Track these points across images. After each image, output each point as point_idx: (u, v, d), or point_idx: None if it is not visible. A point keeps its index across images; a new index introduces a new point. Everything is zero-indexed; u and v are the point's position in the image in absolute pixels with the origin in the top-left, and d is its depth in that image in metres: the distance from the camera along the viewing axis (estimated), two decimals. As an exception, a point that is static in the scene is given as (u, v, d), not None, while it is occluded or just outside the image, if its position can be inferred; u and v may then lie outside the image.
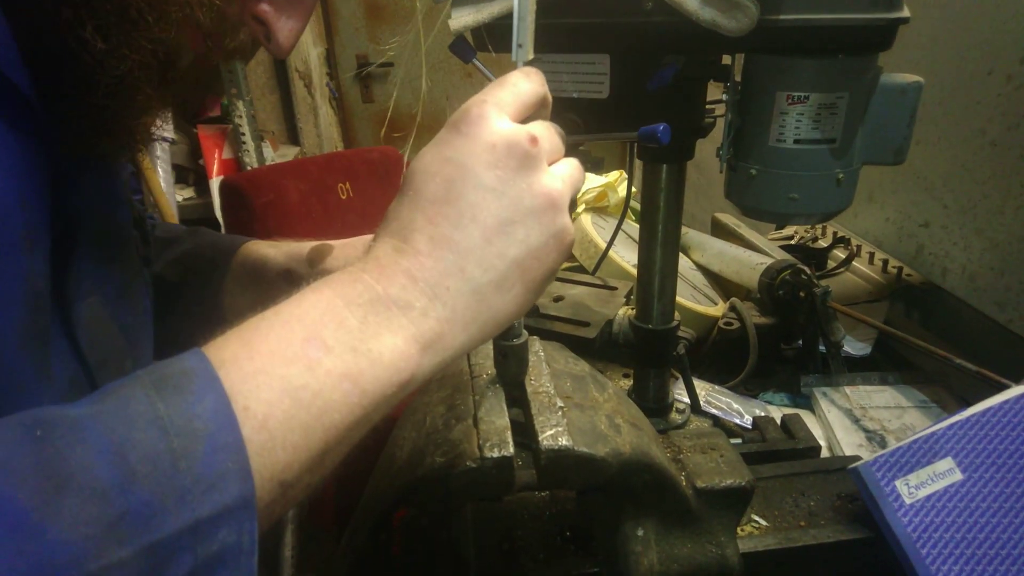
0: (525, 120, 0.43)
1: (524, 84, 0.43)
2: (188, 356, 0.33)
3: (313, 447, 0.34)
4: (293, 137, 3.10)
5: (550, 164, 0.42)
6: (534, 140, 0.40)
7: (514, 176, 0.39)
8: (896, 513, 0.59)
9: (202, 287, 0.72)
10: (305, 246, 0.70)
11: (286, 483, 0.33)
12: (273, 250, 0.72)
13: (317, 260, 0.69)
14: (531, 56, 0.46)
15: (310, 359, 0.34)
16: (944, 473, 0.61)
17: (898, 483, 0.60)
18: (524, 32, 0.45)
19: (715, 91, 0.68)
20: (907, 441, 0.62)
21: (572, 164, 0.44)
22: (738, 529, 0.60)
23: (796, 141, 0.63)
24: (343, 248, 0.70)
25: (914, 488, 0.60)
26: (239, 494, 0.30)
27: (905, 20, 0.57)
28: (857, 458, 0.65)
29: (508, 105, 0.41)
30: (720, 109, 0.68)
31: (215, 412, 0.31)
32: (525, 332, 0.52)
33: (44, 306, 0.43)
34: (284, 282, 0.70)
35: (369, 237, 0.62)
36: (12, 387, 0.40)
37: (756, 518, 0.63)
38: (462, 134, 0.40)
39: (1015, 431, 0.62)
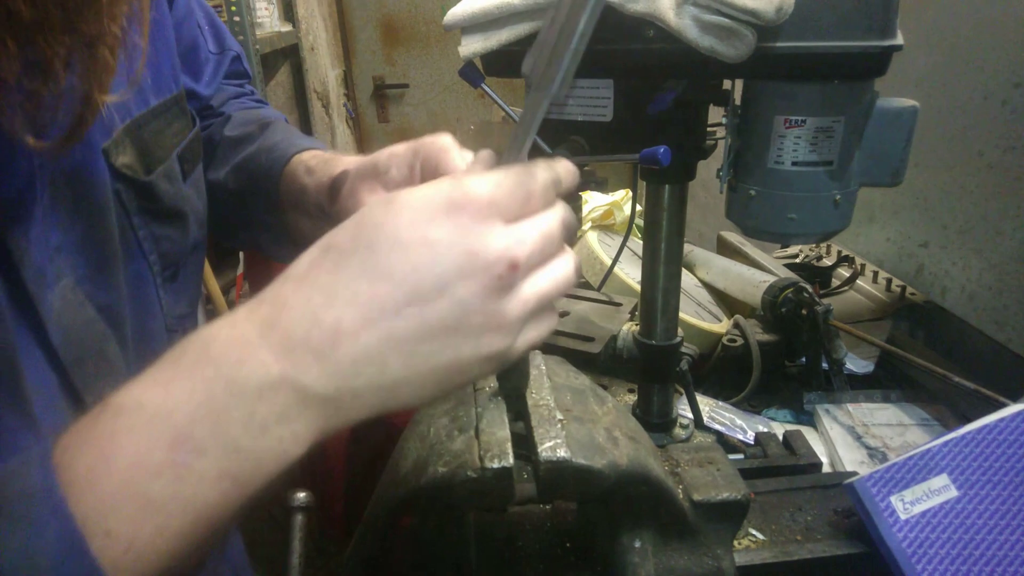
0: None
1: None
2: (34, 468, 0.29)
3: (192, 545, 0.31)
4: (309, 155, 3.15)
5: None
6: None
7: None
8: (891, 528, 0.60)
9: (261, 197, 0.63)
10: (331, 172, 0.58)
11: None
12: (309, 179, 0.61)
13: (334, 197, 0.57)
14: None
15: (179, 467, 0.30)
16: (939, 490, 0.62)
17: (893, 499, 0.61)
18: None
19: (716, 115, 0.70)
20: (902, 457, 0.63)
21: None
22: (735, 542, 0.61)
23: (794, 163, 0.65)
24: (355, 177, 0.55)
25: (909, 504, 0.61)
26: None
27: (899, 47, 0.59)
28: (855, 474, 0.66)
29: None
30: (721, 132, 0.70)
31: (59, 543, 0.28)
32: (527, 346, 0.54)
33: None
34: (323, 215, 0.60)
35: (385, 150, 0.53)
36: None
37: (753, 531, 0.64)
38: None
39: (1010, 449, 0.63)
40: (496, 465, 0.49)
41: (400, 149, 0.52)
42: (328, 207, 0.56)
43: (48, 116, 0.35)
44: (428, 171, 0.50)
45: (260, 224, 0.64)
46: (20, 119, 0.35)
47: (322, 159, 0.60)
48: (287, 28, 2.61)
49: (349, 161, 0.57)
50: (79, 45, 0.34)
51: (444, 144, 0.49)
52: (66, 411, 0.43)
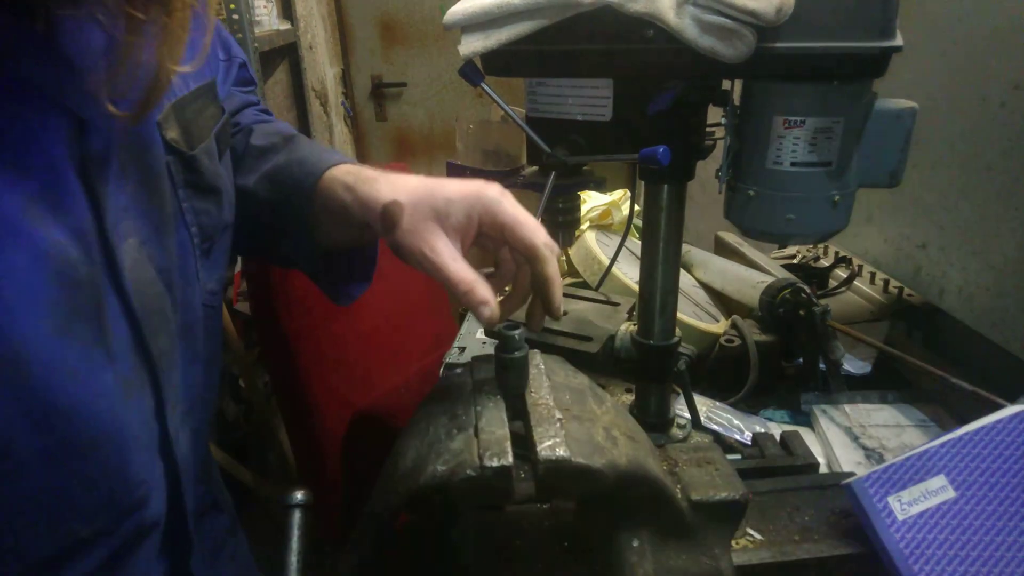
0: None
1: None
2: None
3: None
4: (307, 153, 3.14)
5: None
6: None
7: None
8: (888, 529, 0.60)
9: (292, 208, 0.64)
10: (378, 201, 0.59)
11: None
12: (349, 196, 0.61)
13: (390, 227, 0.57)
14: None
15: None
16: (937, 490, 0.62)
17: (891, 499, 0.62)
18: None
19: (715, 115, 0.70)
20: (900, 458, 0.63)
21: None
22: (733, 542, 0.61)
23: (793, 164, 0.65)
24: (414, 213, 0.56)
25: (907, 505, 0.61)
26: None
27: (898, 48, 0.59)
28: (852, 474, 0.66)
29: None
30: (720, 132, 0.70)
31: None
32: (526, 345, 0.54)
33: (84, 275, 0.40)
34: (367, 233, 0.62)
35: (436, 188, 0.56)
36: (57, 380, 0.38)
37: (751, 532, 0.64)
38: None
39: (1008, 450, 0.63)
40: (495, 464, 0.49)
41: (454, 195, 0.56)
42: (384, 235, 0.58)
43: (127, 85, 0.40)
44: (486, 221, 0.56)
45: (290, 234, 0.66)
46: (105, 85, 0.39)
47: (358, 176, 0.62)
48: (286, 26, 2.61)
49: (394, 186, 0.59)
50: (159, 11, 0.38)
51: (496, 195, 0.55)
52: (134, 362, 0.46)
